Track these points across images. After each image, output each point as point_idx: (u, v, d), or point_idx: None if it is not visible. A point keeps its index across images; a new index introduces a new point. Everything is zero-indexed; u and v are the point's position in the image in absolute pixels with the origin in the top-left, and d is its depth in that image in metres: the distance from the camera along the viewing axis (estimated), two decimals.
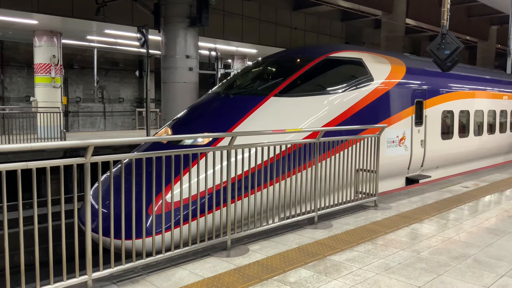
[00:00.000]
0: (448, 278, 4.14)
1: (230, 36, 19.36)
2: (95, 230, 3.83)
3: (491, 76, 14.44)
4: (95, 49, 23.72)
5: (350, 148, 6.28)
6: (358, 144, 6.46)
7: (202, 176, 4.54)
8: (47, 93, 18.00)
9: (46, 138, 15.54)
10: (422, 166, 9.94)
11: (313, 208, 5.84)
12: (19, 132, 14.70)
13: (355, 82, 8.33)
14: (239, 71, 9.69)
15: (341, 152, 6.16)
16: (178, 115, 8.36)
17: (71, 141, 4.71)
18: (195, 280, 4.01)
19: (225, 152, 4.68)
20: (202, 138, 6.40)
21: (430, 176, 9.92)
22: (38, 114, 16.10)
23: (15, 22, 15.79)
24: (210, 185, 4.52)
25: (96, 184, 4.13)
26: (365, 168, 6.72)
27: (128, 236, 4.03)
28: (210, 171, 4.53)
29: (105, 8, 13.80)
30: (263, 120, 7.08)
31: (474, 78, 12.87)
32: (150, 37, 13.62)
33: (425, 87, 10.09)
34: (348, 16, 23.42)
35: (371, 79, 8.55)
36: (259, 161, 5.07)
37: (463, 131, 11.79)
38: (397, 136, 7.95)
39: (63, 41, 18.80)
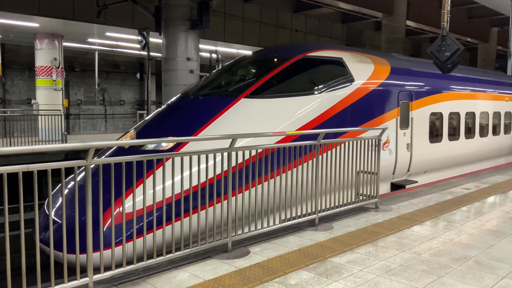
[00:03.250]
0: (449, 280, 4.14)
1: (231, 39, 19.39)
2: (44, 241, 3.75)
3: (484, 77, 13.94)
4: (96, 52, 23.78)
5: (333, 150, 6.03)
6: (341, 146, 6.22)
7: (168, 183, 4.27)
8: (48, 96, 18.05)
9: (47, 141, 15.57)
10: (408, 171, 9.45)
11: (313, 210, 5.84)
12: (20, 135, 14.72)
13: (333, 83, 7.88)
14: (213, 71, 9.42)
15: (322, 155, 5.84)
16: (147, 118, 7.88)
17: (72, 144, 4.70)
18: (196, 282, 4.01)
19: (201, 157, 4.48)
20: (166, 143, 6.00)
21: (416, 182, 9.50)
22: (40, 116, 16.14)
23: (16, 25, 15.84)
24: (177, 190, 4.33)
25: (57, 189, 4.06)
26: (365, 170, 6.72)
27: (82, 250, 3.77)
28: (177, 177, 4.35)
29: (106, 10, 13.84)
30: (232, 124, 6.64)
31: (465, 79, 12.35)
32: (151, 39, 13.67)
33: (411, 88, 9.63)
34: (348, 18, 23.46)
35: (352, 80, 8.09)
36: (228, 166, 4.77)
37: (453, 134, 11.32)
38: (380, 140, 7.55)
39: (64, 43, 18.85)
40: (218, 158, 5.00)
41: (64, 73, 18.95)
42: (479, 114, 12.51)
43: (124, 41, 19.53)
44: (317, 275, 4.21)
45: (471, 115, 12.13)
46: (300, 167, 5.52)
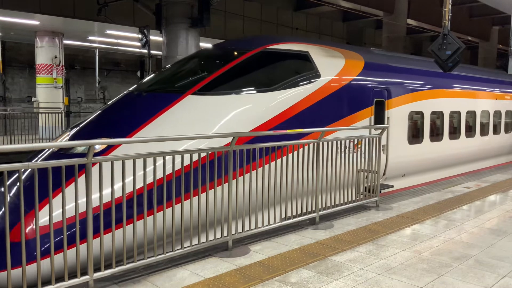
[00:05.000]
0: (449, 279, 4.14)
1: (232, 37, 19.34)
2: None
3: (472, 73, 13.06)
4: (97, 50, 23.77)
5: (295, 152, 5.56)
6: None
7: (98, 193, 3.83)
8: (48, 94, 18.05)
9: (47, 139, 15.56)
10: (384, 174, 8.68)
11: (314, 208, 5.84)
12: (20, 133, 14.72)
13: (296, 79, 7.23)
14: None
15: (282, 158, 5.40)
16: (91, 116, 6.97)
17: (73, 141, 4.70)
18: (196, 281, 4.01)
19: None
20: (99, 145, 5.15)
21: (392, 186, 8.81)
22: (40, 114, 16.13)
23: (17, 23, 15.83)
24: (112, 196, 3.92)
25: None
26: (366, 168, 6.72)
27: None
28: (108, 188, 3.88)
29: (106, 8, 13.83)
30: (172, 124, 5.96)
31: (451, 75, 11.24)
32: (152, 37, 13.66)
33: (387, 85, 8.93)
34: (349, 17, 23.43)
35: (317, 76, 7.42)
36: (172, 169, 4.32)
37: (436, 134, 10.60)
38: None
39: (65, 41, 18.85)
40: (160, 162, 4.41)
41: (65, 71, 18.95)
42: (465, 113, 11.80)
43: (125, 39, 19.52)
44: (317, 274, 4.21)
45: (456, 115, 11.44)
46: (260, 169, 5.12)
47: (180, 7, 12.50)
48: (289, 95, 6.93)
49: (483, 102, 12.78)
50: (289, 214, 5.51)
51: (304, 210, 5.73)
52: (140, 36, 13.46)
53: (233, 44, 8.31)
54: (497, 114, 13.64)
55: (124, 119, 6.39)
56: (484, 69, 16.04)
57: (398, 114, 9.12)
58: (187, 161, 4.77)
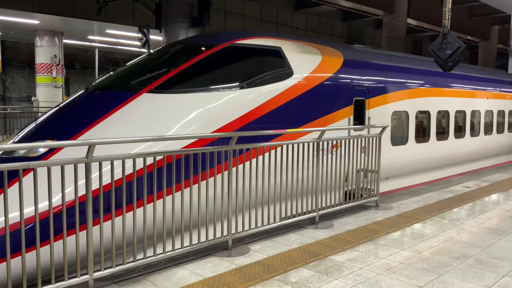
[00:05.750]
0: (449, 278, 4.14)
1: None
2: None
3: (462, 71, 12.19)
4: (97, 49, 23.76)
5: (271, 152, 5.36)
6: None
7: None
8: (48, 93, 18.06)
9: None
10: (365, 177, 7.88)
11: (314, 208, 5.84)
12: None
13: (265, 76, 6.72)
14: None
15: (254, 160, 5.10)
16: (44, 116, 6.50)
17: (73, 141, 4.70)
18: (196, 280, 4.01)
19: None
20: (43, 148, 4.91)
21: (373, 190, 7.92)
22: (40, 114, 16.12)
23: (16, 22, 15.83)
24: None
25: None
26: (366, 168, 6.72)
27: None
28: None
29: (106, 8, 13.81)
30: (124, 124, 5.48)
31: (438, 74, 10.65)
32: (152, 37, 13.63)
33: (368, 83, 8.45)
34: (349, 16, 23.44)
35: (290, 73, 6.94)
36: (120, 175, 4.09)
37: (422, 135, 10.08)
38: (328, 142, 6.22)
39: (65, 41, 18.85)
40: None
41: (64, 70, 18.96)
42: (454, 113, 11.22)
43: (125, 38, 19.51)
44: (317, 273, 4.21)
45: (444, 114, 10.86)
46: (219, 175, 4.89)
47: (180, 6, 12.49)
48: (257, 93, 6.46)
49: (474, 102, 12.24)
50: (288, 214, 5.50)
51: (304, 210, 5.73)
52: (140, 35, 13.43)
53: (200, 39, 7.73)
54: (489, 113, 13.07)
55: (71, 119, 5.92)
56: (475, 67, 15.47)
57: (379, 114, 8.64)
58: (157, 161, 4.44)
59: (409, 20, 21.07)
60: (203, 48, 6.86)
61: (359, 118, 8.17)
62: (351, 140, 6.56)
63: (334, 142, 6.30)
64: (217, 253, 4.68)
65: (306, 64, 7.39)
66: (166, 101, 5.89)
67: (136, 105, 5.74)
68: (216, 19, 15.99)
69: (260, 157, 5.19)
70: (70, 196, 3.90)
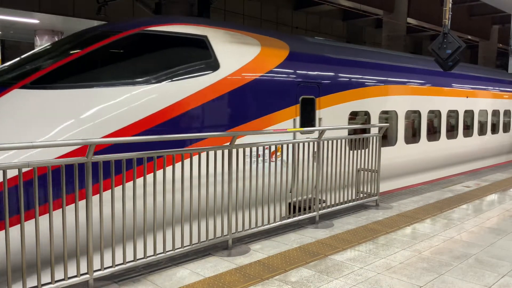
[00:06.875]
0: (449, 278, 4.14)
1: None
2: None
3: (431, 67, 10.79)
4: None
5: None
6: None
7: None
8: None
9: None
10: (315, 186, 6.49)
11: (314, 207, 5.83)
12: None
13: (181, 70, 5.77)
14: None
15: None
16: None
17: (72, 140, 4.68)
18: (196, 280, 4.01)
19: None
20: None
21: (324, 201, 6.72)
22: None
23: (16, 21, 15.82)
24: None
25: None
26: (366, 168, 6.72)
27: None
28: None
29: (106, 7, 13.80)
30: None
31: (408, 69, 9.85)
32: None
33: (319, 79, 7.50)
34: (349, 16, 23.45)
35: (215, 66, 6.04)
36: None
37: (388, 138, 9.25)
38: (267, 148, 5.36)
39: None
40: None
41: None
42: (427, 113, 10.19)
43: None
44: (317, 273, 4.21)
45: (414, 115, 9.82)
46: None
47: (180, 5, 12.47)
48: (167, 90, 5.53)
49: (451, 100, 11.17)
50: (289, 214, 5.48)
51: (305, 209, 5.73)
52: None
53: (110, 25, 6.50)
54: (469, 113, 11.98)
55: None
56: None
57: (333, 115, 7.70)
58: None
59: (409, 20, 21.08)
60: (103, 36, 5.84)
61: (308, 119, 7.28)
62: (298, 145, 5.61)
63: (274, 148, 5.42)
64: (217, 252, 4.68)
65: (238, 56, 6.48)
66: (44, 98, 4.93)
67: (3, 102, 4.80)
68: (216, 19, 15.98)
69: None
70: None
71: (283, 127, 6.73)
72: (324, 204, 5.97)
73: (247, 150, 5.07)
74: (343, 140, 6.26)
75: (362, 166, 6.68)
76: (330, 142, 5.97)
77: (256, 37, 7.08)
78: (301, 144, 5.67)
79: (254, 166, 5.08)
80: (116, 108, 5.10)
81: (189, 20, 6.77)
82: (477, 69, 14.05)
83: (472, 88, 12.45)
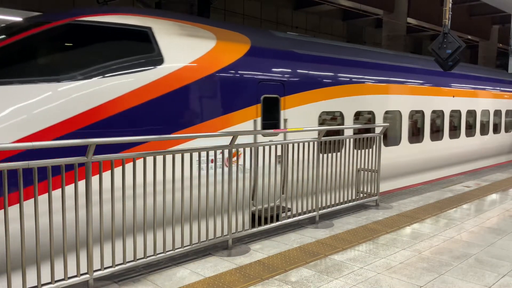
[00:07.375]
0: (449, 278, 4.14)
1: None
2: None
3: (422, 65, 10.44)
4: None
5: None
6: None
7: None
8: None
9: None
10: (283, 193, 6.03)
11: (314, 207, 5.83)
12: None
13: (115, 65, 5.22)
14: None
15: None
16: None
17: (72, 140, 4.66)
18: (196, 279, 4.01)
19: None
20: None
21: (289, 209, 6.04)
22: None
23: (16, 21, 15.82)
24: None
25: None
26: (366, 168, 6.72)
27: None
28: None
29: (106, 7, 13.82)
30: None
31: (387, 67, 9.18)
32: None
33: (284, 77, 6.98)
34: (349, 16, 23.45)
35: (159, 61, 5.51)
36: None
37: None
38: (221, 152, 5.15)
39: None
40: None
41: None
42: (409, 113, 9.54)
43: None
44: (317, 273, 4.21)
45: (394, 115, 9.17)
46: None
47: (180, 5, 12.49)
48: (98, 88, 4.98)
49: (436, 100, 10.48)
50: (289, 213, 5.48)
51: (304, 209, 5.73)
52: None
53: (45, 15, 5.95)
54: (456, 114, 11.29)
55: None
56: (427, 59, 12.74)
57: (301, 116, 7.16)
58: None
59: (409, 20, 21.09)
60: (26, 27, 5.35)
61: (271, 120, 6.80)
62: (261, 148, 5.18)
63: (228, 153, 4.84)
64: (217, 252, 4.68)
65: (187, 50, 5.93)
66: None
67: None
68: (215, 18, 15.99)
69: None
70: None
71: (242, 128, 6.30)
72: (289, 213, 5.60)
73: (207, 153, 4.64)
74: (348, 140, 6.40)
75: (362, 166, 6.69)
76: (330, 142, 6.02)
77: (211, 30, 6.52)
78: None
79: (253, 167, 5.01)
80: (32, 109, 4.57)
81: (132, 11, 6.19)
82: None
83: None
